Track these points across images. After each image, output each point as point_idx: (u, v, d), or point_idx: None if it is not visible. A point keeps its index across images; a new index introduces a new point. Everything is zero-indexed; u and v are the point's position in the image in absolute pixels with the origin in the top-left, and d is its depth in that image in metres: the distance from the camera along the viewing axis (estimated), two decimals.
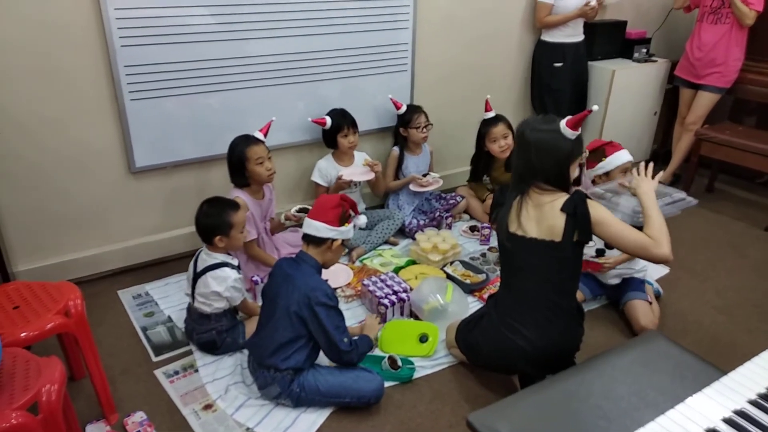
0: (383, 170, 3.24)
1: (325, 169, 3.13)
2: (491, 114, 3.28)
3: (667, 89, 4.24)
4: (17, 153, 2.48)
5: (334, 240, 2.05)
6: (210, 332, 2.28)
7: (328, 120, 3.03)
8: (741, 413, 1.20)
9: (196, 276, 2.24)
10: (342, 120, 3.05)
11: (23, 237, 2.62)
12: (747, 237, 3.41)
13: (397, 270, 2.89)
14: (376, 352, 2.33)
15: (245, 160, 2.58)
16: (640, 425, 1.20)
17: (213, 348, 2.31)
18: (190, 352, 2.35)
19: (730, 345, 2.45)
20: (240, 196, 2.60)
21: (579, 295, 2.60)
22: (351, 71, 3.20)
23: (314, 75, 3.08)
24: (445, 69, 3.57)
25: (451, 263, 2.94)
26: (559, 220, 1.83)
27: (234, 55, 2.80)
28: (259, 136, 2.66)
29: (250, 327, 2.30)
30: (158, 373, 2.24)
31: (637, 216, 1.93)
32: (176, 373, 2.24)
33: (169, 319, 2.56)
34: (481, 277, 2.79)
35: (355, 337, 2.09)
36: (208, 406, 2.08)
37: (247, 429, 1.97)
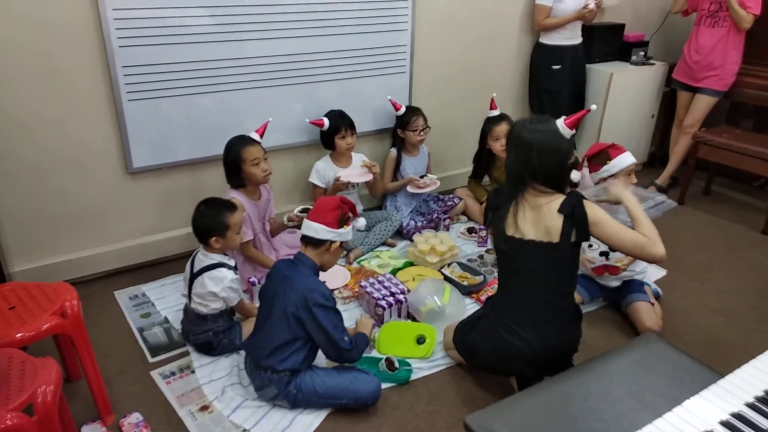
0: (381, 172, 3.23)
1: (323, 170, 3.12)
2: (496, 112, 3.28)
3: (664, 92, 4.25)
4: (14, 153, 2.48)
5: (332, 242, 2.05)
6: (207, 333, 2.27)
7: (326, 121, 3.02)
8: (738, 416, 1.20)
9: (193, 276, 2.24)
10: (340, 121, 3.05)
11: (20, 237, 2.61)
12: (744, 239, 3.41)
13: (394, 271, 2.89)
14: (374, 353, 2.33)
15: (241, 161, 2.58)
16: (638, 428, 1.20)
17: (210, 349, 2.30)
18: (186, 353, 2.34)
19: (727, 347, 2.45)
20: (236, 196, 2.59)
21: (577, 298, 2.60)
22: (349, 72, 3.20)
23: (312, 76, 3.08)
24: (443, 71, 3.57)
25: (449, 265, 2.94)
26: (556, 222, 1.83)
27: (232, 56, 2.80)
28: (255, 137, 2.65)
29: (247, 328, 2.30)
30: (154, 374, 2.23)
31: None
32: (173, 374, 2.24)
33: (166, 320, 2.55)
34: (479, 278, 2.79)
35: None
36: (204, 408, 2.07)
37: (244, 430, 1.97)
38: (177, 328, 2.46)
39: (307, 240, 2.05)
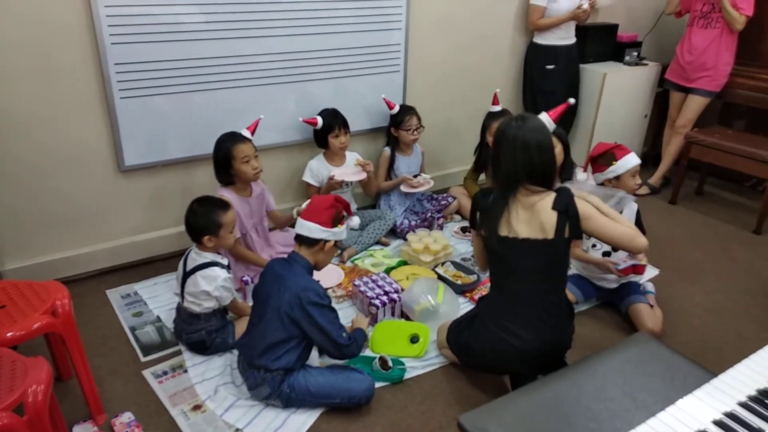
0: (375, 170, 3.23)
1: (317, 169, 3.12)
2: (498, 108, 3.28)
3: (657, 92, 4.27)
4: (4, 150, 2.45)
5: (326, 241, 2.04)
6: (199, 332, 2.26)
7: (320, 120, 3.01)
8: (731, 415, 1.21)
9: (186, 275, 2.23)
10: (333, 120, 3.04)
11: (10, 235, 2.59)
12: (736, 239, 3.43)
13: (388, 270, 2.89)
14: (367, 352, 2.32)
15: (231, 158, 2.56)
16: (631, 427, 1.20)
17: (202, 348, 2.29)
18: (179, 353, 2.33)
19: (719, 347, 2.47)
20: (226, 194, 2.58)
21: (571, 298, 2.61)
22: (343, 71, 3.19)
23: (306, 75, 3.07)
24: (437, 70, 3.57)
25: (443, 264, 2.94)
26: (551, 218, 1.85)
27: (225, 54, 2.79)
28: (246, 134, 2.64)
29: (240, 327, 2.29)
30: (147, 373, 2.22)
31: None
32: (165, 373, 2.22)
33: (158, 318, 2.53)
34: (473, 278, 2.79)
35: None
36: (197, 407, 2.06)
37: (237, 430, 1.96)
38: (169, 327, 2.45)
39: (301, 239, 2.05)
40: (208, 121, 2.83)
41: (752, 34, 3.69)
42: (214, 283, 2.20)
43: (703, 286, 2.92)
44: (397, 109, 3.24)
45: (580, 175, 2.59)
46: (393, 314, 2.56)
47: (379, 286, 2.60)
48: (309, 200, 2.63)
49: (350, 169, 3.14)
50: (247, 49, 2.84)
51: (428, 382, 2.21)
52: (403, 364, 2.26)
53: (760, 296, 2.84)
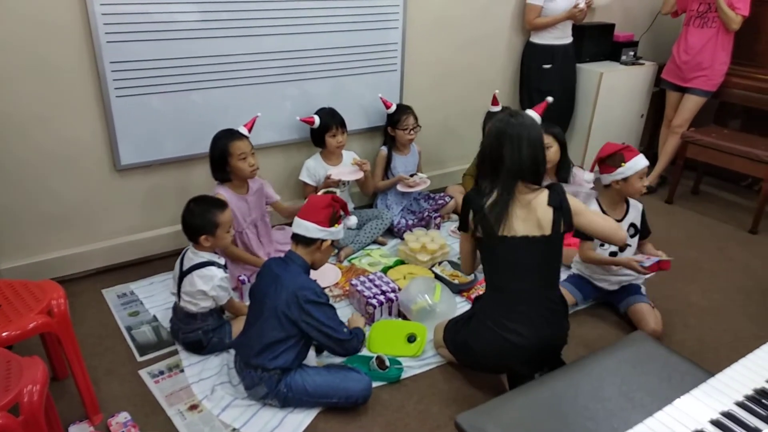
0: (371, 170, 3.22)
1: (314, 168, 3.11)
2: (497, 108, 3.28)
3: (653, 92, 4.28)
4: (0, 149, 2.44)
5: (323, 240, 2.04)
6: (196, 332, 2.26)
7: (317, 119, 3.01)
8: (728, 415, 1.21)
9: (182, 275, 2.22)
10: (330, 119, 3.04)
11: (6, 235, 2.57)
12: (732, 239, 3.44)
13: (385, 270, 2.88)
14: (364, 352, 2.32)
15: (228, 154, 2.56)
16: (628, 427, 1.20)
17: (199, 348, 2.28)
18: (175, 352, 2.32)
19: (716, 346, 2.47)
20: (222, 192, 2.57)
21: (571, 299, 2.61)
22: (340, 70, 3.18)
23: (303, 74, 3.06)
24: (434, 69, 3.57)
25: (440, 263, 2.94)
26: (547, 214, 1.88)
27: (221, 52, 2.78)
28: (243, 131, 2.64)
29: (237, 326, 2.28)
30: (143, 373, 2.21)
31: None
32: (161, 373, 2.22)
33: (155, 318, 2.53)
34: (470, 277, 2.79)
35: None
36: (193, 407, 2.05)
37: (234, 430, 1.95)
38: (166, 327, 2.44)
39: (298, 238, 2.04)
40: (204, 120, 2.82)
41: (748, 34, 3.70)
42: (211, 283, 2.19)
43: (699, 286, 2.92)
44: (394, 108, 3.24)
45: (587, 175, 2.59)
46: (390, 314, 2.56)
47: (376, 286, 2.60)
48: (325, 188, 2.63)
49: (347, 168, 3.14)
50: (244, 48, 2.83)
51: (425, 381, 2.21)
52: (400, 363, 2.25)
53: (756, 295, 2.85)
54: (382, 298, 2.52)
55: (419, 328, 2.41)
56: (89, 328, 2.45)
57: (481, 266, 2.10)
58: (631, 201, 2.55)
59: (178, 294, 2.25)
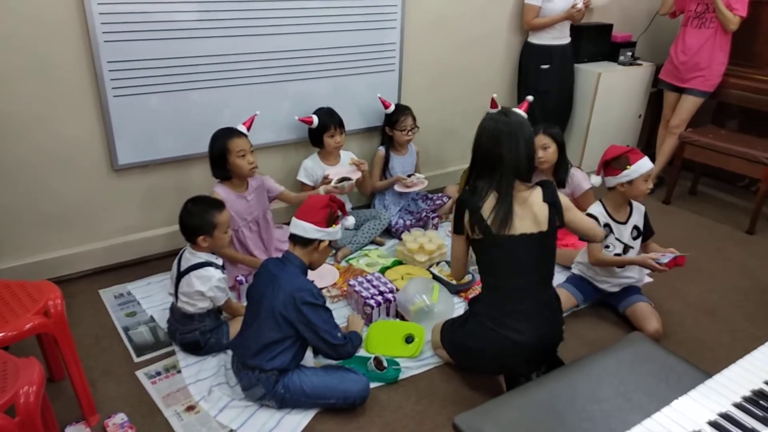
0: (369, 170, 3.22)
1: (311, 168, 3.11)
2: (495, 111, 3.28)
3: (651, 92, 4.29)
4: None
5: (321, 241, 2.03)
6: (193, 332, 2.25)
7: (315, 119, 3.00)
8: (726, 416, 1.21)
9: (180, 275, 2.22)
10: (329, 119, 3.03)
11: (2, 235, 2.56)
12: (730, 239, 3.44)
13: (383, 270, 2.88)
14: (362, 352, 2.32)
15: (227, 152, 2.55)
16: (626, 427, 1.20)
17: (196, 348, 2.28)
18: (172, 353, 2.31)
19: (713, 347, 2.47)
20: (220, 191, 2.57)
21: (572, 300, 2.62)
22: (338, 70, 3.18)
23: (301, 73, 3.06)
24: (432, 69, 3.57)
25: (438, 264, 2.93)
26: (543, 210, 1.92)
27: (220, 52, 2.77)
28: (242, 129, 2.63)
29: (234, 327, 2.27)
30: (140, 374, 2.21)
31: None
32: (158, 374, 2.21)
33: (152, 319, 2.52)
34: (467, 277, 2.79)
35: None
36: (190, 408, 2.05)
37: (231, 431, 1.95)
38: (163, 327, 2.44)
39: (295, 239, 2.04)
40: (202, 119, 2.82)
41: (746, 35, 3.71)
42: (209, 284, 2.18)
43: (696, 286, 2.93)
44: (392, 108, 3.24)
45: (593, 179, 2.59)
46: (388, 314, 2.56)
47: (374, 286, 2.60)
48: (336, 177, 2.64)
49: (345, 168, 3.13)
50: (242, 48, 2.83)
51: (423, 382, 2.21)
52: (398, 364, 2.25)
53: (753, 295, 2.86)
54: (379, 298, 2.51)
55: (417, 329, 2.40)
56: (86, 328, 2.44)
57: (476, 267, 2.10)
58: (634, 203, 2.55)
59: (176, 295, 2.24)
